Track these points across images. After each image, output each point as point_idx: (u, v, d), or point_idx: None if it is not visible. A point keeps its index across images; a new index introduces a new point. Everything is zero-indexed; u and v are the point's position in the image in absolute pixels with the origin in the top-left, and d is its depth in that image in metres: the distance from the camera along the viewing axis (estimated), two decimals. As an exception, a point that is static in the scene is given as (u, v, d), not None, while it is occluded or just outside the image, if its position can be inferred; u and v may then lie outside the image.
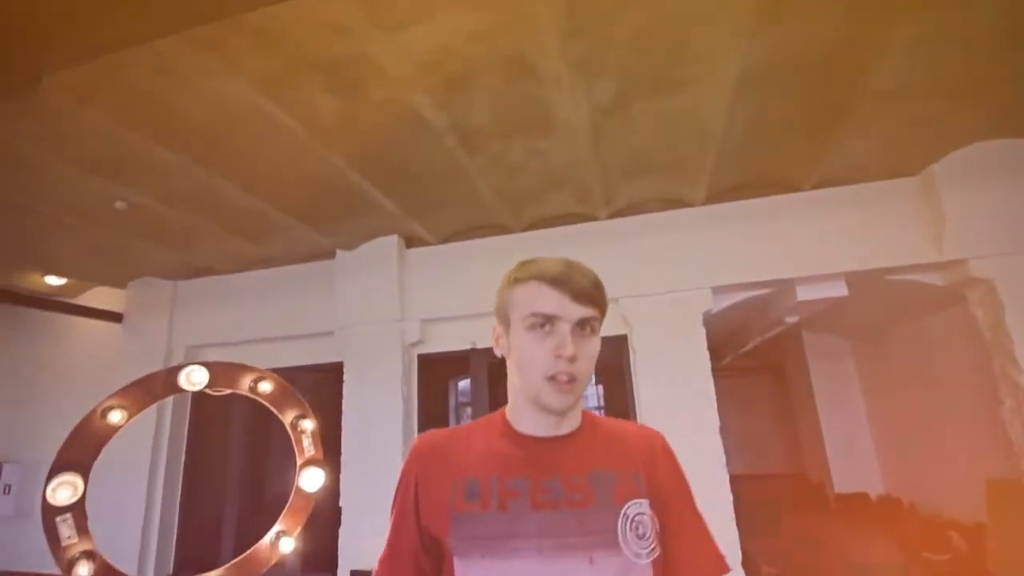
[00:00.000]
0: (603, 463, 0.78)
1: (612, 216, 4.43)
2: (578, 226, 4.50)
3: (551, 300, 0.75)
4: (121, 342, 5.42)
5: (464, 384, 8.19)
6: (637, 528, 0.72)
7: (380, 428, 4.45)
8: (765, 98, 2.99)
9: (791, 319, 4.90)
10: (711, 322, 4.37)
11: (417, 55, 2.46)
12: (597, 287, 0.79)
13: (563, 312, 0.75)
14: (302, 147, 3.13)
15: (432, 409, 4.97)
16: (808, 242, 4.03)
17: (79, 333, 5.77)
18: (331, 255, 4.93)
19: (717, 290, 4.22)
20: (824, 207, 4.03)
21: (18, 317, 5.97)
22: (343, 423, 4.54)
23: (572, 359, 0.73)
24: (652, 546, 0.72)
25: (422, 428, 4.68)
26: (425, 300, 4.70)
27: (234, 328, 5.18)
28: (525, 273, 0.80)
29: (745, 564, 3.64)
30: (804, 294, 4.20)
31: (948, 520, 4.60)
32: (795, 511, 6.43)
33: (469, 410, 5.85)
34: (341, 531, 4.30)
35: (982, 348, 3.90)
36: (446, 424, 8.57)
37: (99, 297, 5.70)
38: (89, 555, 1.79)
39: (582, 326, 0.76)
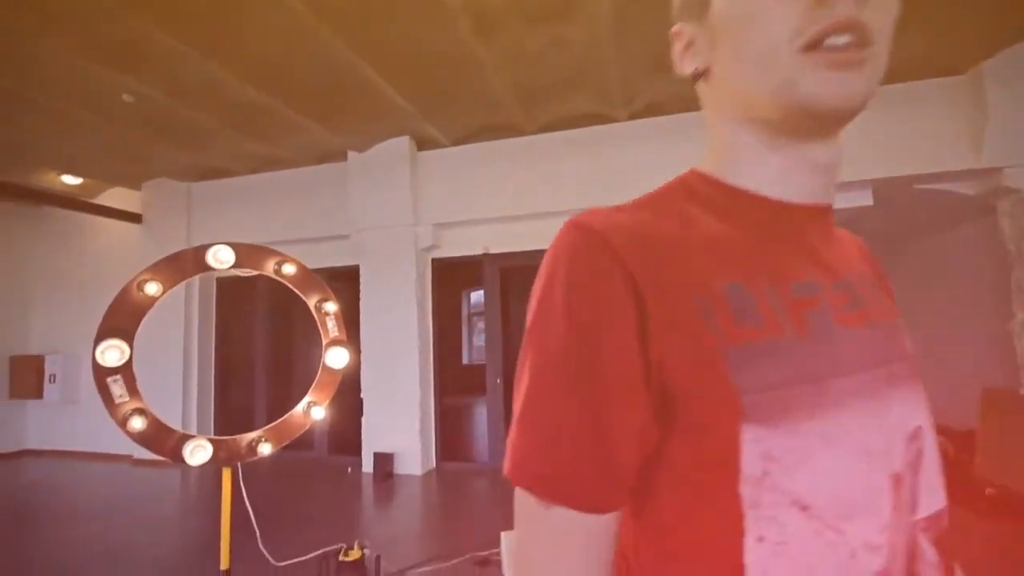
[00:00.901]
0: (860, 261, 0.53)
1: (632, 117, 4.25)
2: (596, 128, 4.34)
3: None
4: (141, 242, 5.54)
5: (476, 296, 8.36)
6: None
7: (396, 327, 4.63)
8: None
9: (809, 231, 4.82)
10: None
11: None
12: None
13: None
14: (308, 32, 2.97)
15: (445, 320, 5.12)
16: (837, 147, 3.85)
17: (101, 233, 5.90)
18: (343, 156, 4.85)
19: (736, 197, 4.12)
20: (858, 109, 3.81)
21: (43, 219, 6.09)
22: (361, 321, 4.72)
23: None
24: None
25: (437, 334, 4.86)
26: (438, 204, 4.68)
27: (250, 231, 5.23)
28: None
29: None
30: (826, 203, 4.09)
31: (939, 426, 4.80)
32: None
33: (481, 324, 6.03)
34: (363, 420, 4.65)
35: (999, 264, 3.84)
36: (459, 335, 8.74)
37: (115, 198, 5.75)
38: (141, 412, 1.97)
39: None
